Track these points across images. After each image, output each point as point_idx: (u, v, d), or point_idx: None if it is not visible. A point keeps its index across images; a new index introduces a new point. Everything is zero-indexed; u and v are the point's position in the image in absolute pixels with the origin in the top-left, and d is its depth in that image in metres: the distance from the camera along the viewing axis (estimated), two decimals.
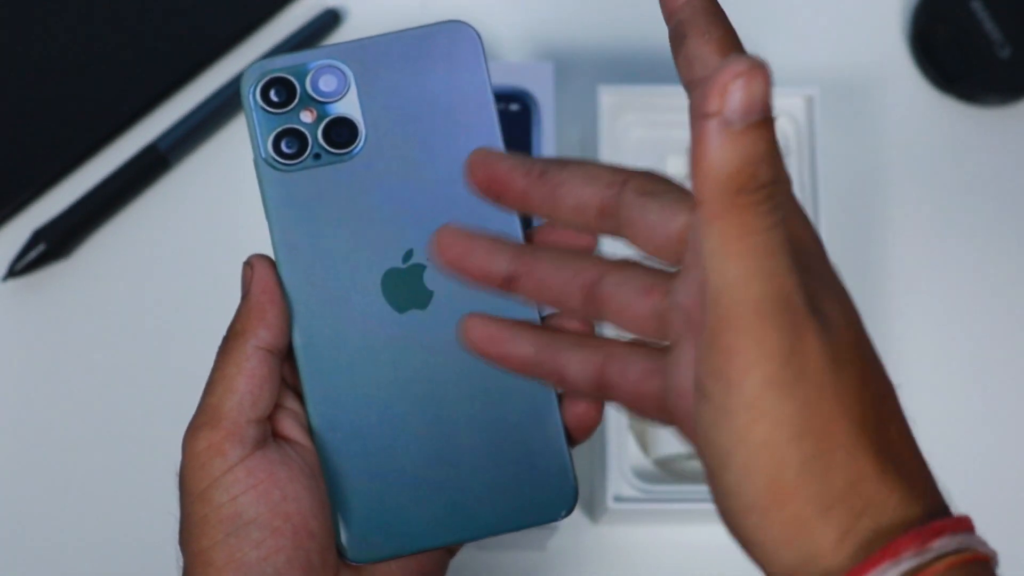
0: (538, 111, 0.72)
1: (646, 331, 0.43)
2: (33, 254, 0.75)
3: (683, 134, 0.75)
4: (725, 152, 0.35)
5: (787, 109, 0.75)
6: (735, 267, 0.36)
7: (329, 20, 0.80)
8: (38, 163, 0.77)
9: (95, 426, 0.74)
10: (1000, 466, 0.75)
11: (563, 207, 0.43)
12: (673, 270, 0.42)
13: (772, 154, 0.36)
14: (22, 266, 0.75)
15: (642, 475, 0.70)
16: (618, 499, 0.68)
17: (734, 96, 0.35)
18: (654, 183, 0.42)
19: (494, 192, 0.44)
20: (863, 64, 0.81)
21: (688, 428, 0.42)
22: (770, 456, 0.37)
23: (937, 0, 0.80)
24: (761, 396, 0.36)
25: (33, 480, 0.74)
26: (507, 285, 0.45)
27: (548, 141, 0.72)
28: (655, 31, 0.82)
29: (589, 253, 0.45)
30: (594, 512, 0.72)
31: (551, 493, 0.49)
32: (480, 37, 0.50)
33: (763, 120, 0.35)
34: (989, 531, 0.39)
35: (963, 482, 0.73)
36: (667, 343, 0.42)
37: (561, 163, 0.44)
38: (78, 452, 0.74)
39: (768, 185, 0.36)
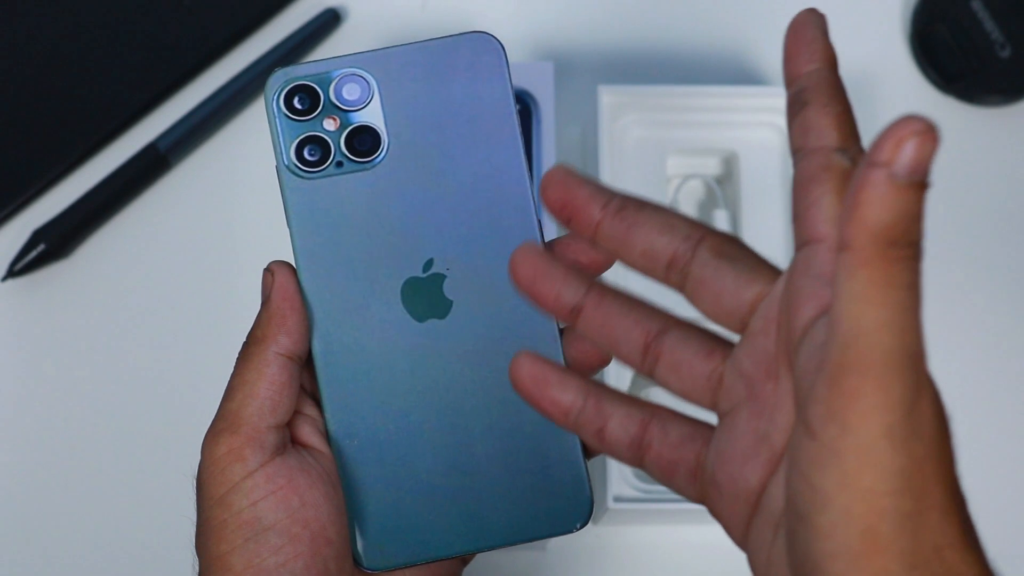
0: (538, 111, 0.72)
1: (696, 393, 0.43)
2: (33, 254, 0.75)
3: (683, 134, 0.76)
4: (886, 203, 0.35)
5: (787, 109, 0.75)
6: (874, 315, 0.36)
7: (329, 20, 0.80)
8: (38, 163, 0.77)
9: (95, 426, 0.74)
10: (1000, 466, 0.75)
11: (633, 250, 0.43)
12: (735, 338, 0.42)
13: (921, 217, 0.36)
14: (22, 266, 0.75)
15: (642, 475, 0.70)
16: (618, 499, 0.68)
17: (907, 151, 0.34)
18: (732, 246, 0.42)
19: (565, 215, 0.44)
20: (863, 64, 0.82)
21: (714, 503, 0.42)
22: (871, 505, 0.37)
23: (937, 0, 0.80)
24: (876, 444, 0.36)
25: (34, 481, 0.73)
26: (571, 316, 0.44)
27: (548, 141, 0.72)
28: (655, 31, 0.82)
29: (653, 307, 0.44)
30: (594, 512, 0.72)
31: (567, 504, 0.50)
32: (504, 48, 0.50)
33: (923, 182, 0.35)
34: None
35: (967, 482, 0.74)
36: (709, 413, 0.43)
37: (639, 203, 0.43)
38: (79, 452, 0.74)
39: (916, 244, 0.36)
